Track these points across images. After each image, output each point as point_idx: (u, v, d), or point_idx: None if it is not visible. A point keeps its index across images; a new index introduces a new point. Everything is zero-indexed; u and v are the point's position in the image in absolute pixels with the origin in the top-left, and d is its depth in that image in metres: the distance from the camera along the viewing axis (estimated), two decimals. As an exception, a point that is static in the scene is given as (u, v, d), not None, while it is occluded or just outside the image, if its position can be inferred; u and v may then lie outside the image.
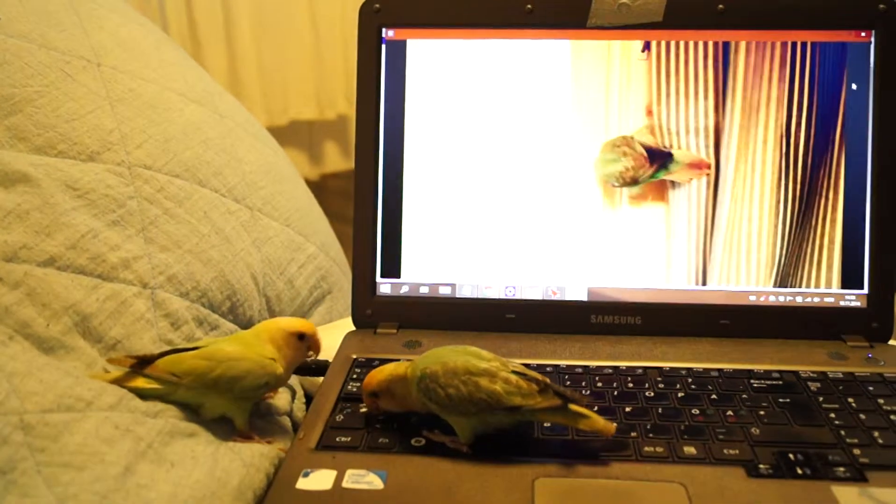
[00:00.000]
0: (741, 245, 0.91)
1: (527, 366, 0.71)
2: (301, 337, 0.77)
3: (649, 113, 0.92)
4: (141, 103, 0.88)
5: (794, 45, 0.91)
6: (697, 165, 0.92)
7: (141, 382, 0.70)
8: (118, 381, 0.69)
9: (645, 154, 0.92)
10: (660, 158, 0.92)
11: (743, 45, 0.91)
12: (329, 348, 0.80)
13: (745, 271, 0.91)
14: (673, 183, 0.92)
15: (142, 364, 0.71)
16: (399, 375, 0.72)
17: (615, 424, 0.68)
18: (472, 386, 0.67)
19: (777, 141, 0.91)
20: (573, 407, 0.68)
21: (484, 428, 0.69)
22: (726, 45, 0.91)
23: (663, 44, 0.92)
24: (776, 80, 0.91)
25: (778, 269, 0.91)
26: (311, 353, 0.78)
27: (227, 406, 0.73)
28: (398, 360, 0.85)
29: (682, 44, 0.91)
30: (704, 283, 0.92)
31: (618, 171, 0.92)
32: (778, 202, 0.91)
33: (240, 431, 0.73)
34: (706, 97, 0.91)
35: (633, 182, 0.92)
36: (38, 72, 0.78)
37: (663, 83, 0.92)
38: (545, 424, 0.72)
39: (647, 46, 0.92)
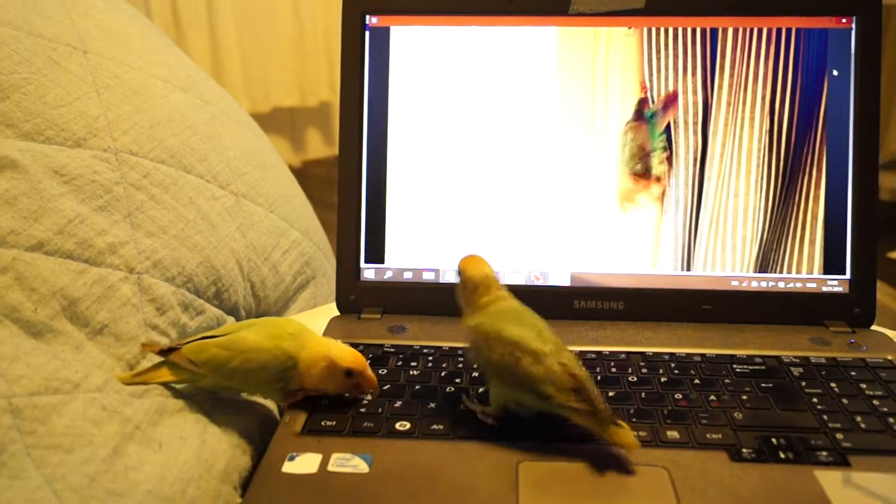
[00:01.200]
0: (727, 223, 0.92)
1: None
2: (349, 374, 0.72)
3: (642, 87, 0.93)
4: (126, 90, 0.88)
5: (778, 30, 0.91)
6: (672, 99, 0.92)
7: (165, 376, 0.71)
8: (141, 380, 0.70)
9: (632, 119, 0.93)
10: (640, 107, 0.93)
11: (729, 30, 0.92)
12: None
13: (730, 249, 0.92)
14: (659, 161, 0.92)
15: (168, 351, 0.72)
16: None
17: (639, 443, 0.65)
18: (512, 360, 0.67)
19: (762, 120, 0.91)
20: None
21: (515, 405, 0.69)
22: (712, 29, 0.92)
23: (651, 27, 0.92)
24: (762, 63, 0.91)
25: (761, 247, 0.92)
26: (360, 390, 0.75)
27: (260, 392, 0.75)
28: (383, 345, 0.85)
29: (670, 29, 0.92)
30: (689, 268, 0.92)
31: (633, 151, 0.93)
32: (762, 178, 0.92)
33: (286, 403, 0.74)
34: (693, 74, 0.92)
35: (645, 154, 0.92)
36: (25, 59, 0.78)
37: (654, 59, 0.92)
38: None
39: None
